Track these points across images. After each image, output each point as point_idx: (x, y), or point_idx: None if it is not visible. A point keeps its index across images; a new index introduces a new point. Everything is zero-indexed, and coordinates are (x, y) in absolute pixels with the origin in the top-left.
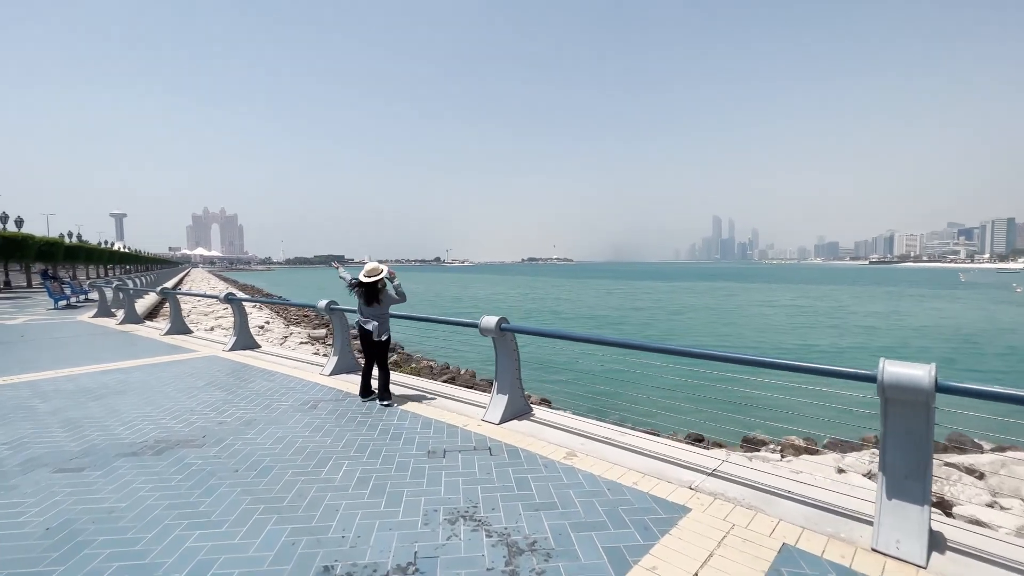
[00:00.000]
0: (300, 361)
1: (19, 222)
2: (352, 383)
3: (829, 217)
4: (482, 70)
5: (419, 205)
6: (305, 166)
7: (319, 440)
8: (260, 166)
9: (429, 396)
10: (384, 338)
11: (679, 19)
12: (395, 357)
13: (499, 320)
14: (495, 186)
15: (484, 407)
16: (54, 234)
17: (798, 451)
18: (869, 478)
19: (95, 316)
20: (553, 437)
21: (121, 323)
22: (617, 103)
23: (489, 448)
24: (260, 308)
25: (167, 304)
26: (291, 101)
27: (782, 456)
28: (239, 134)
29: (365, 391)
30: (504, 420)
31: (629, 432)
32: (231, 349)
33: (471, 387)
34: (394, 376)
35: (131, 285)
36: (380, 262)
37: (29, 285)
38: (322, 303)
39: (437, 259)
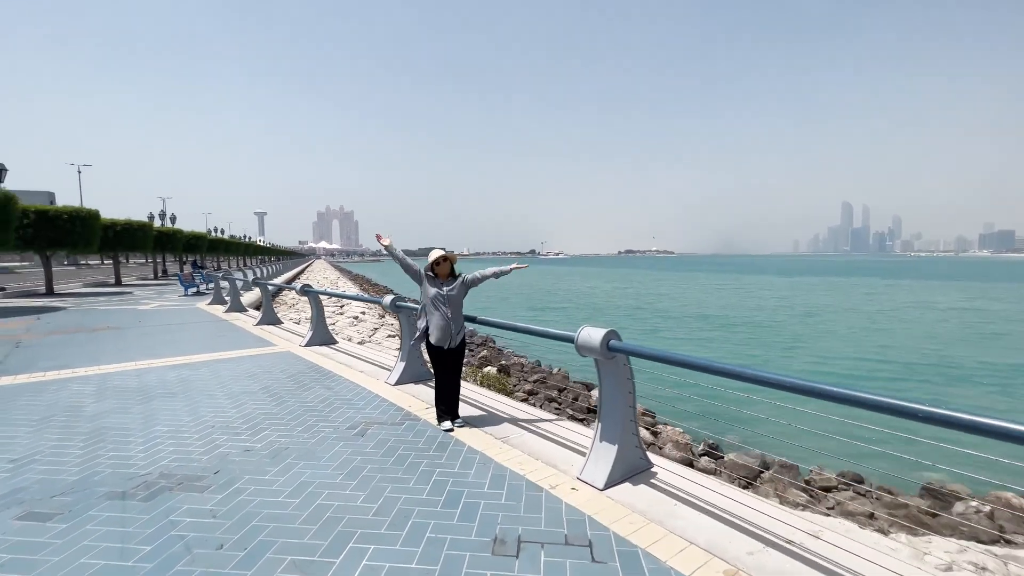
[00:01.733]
0: (370, 363)
1: (172, 219)
2: (416, 397)
3: (1003, 200)
4: (581, 58)
5: (515, 198)
6: (411, 162)
7: (348, 496)
8: (373, 164)
9: (506, 418)
10: (459, 341)
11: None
12: (484, 352)
13: (606, 336)
14: (591, 175)
15: (581, 451)
16: (217, 231)
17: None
18: None
19: (210, 304)
20: (693, 527)
21: (227, 311)
22: (732, 85)
23: (589, 541)
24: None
25: (283, 293)
26: (402, 101)
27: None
28: (357, 134)
29: (448, 410)
30: (611, 483)
31: (838, 528)
32: (307, 345)
33: (563, 392)
34: (472, 389)
35: (239, 277)
36: (476, 254)
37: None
38: (387, 298)
39: (532, 251)
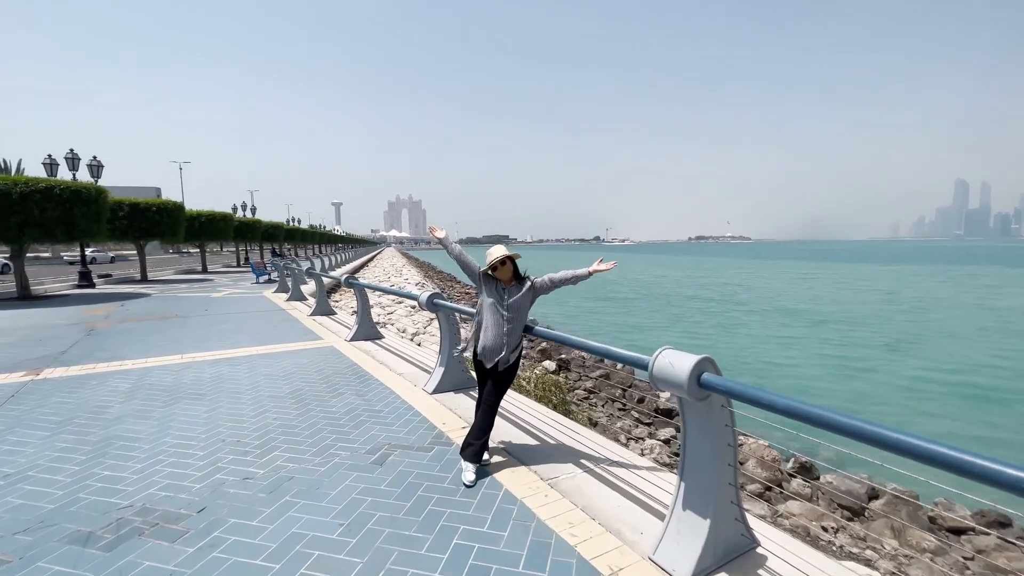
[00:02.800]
0: (413, 363)
1: (253, 210)
2: (453, 411)
3: None
4: (659, 31)
5: (579, 183)
6: (475, 148)
7: (340, 565)
8: (439, 151)
9: (556, 446)
10: (513, 360)
11: None
12: (544, 344)
13: (696, 367)
14: (661, 158)
15: (656, 509)
16: (295, 221)
17: None
18: None
19: (275, 292)
20: None
21: (288, 300)
22: (822, 55)
23: None
24: (424, 285)
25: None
26: (469, 81)
27: None
28: (429, 121)
29: (474, 452)
30: (700, 573)
31: None
32: (351, 339)
33: (627, 391)
34: (518, 402)
35: (299, 267)
36: (540, 241)
37: (253, 261)
38: (424, 295)
39: (597, 238)
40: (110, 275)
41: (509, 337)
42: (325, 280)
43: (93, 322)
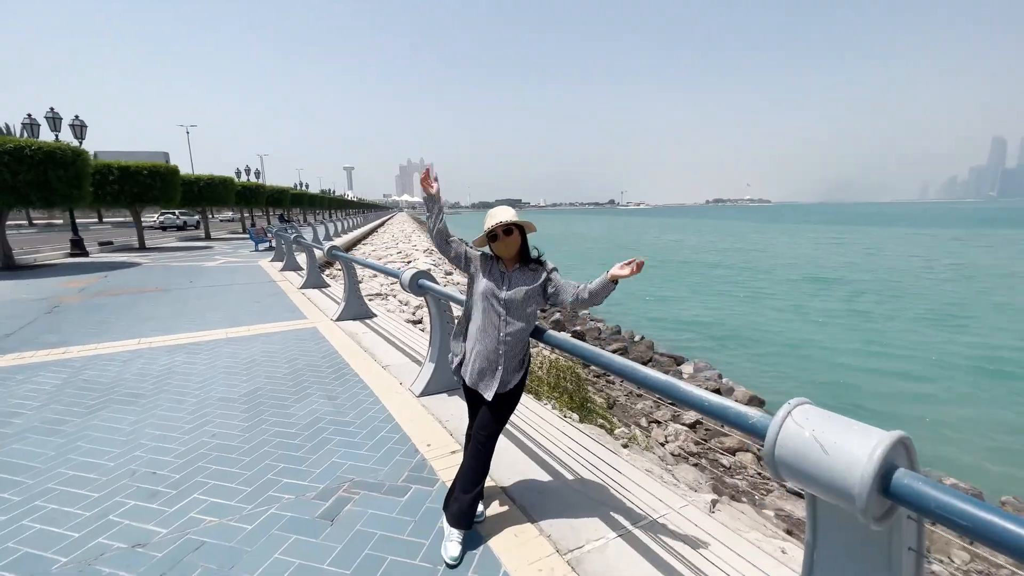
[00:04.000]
0: (404, 351)
1: (257, 174)
2: (444, 424)
3: None
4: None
5: (593, 146)
6: (486, 109)
7: None
8: (449, 114)
9: (576, 483)
10: (515, 384)
11: None
12: (558, 315)
13: (885, 458)
14: (676, 119)
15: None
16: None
17: None
18: None
19: (272, 260)
20: None
21: (282, 270)
22: (848, 5)
23: None
24: (432, 254)
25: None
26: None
27: None
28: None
29: (460, 513)
30: None
31: None
32: (337, 319)
33: (647, 364)
34: (528, 409)
35: (291, 234)
36: (553, 206)
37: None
38: (407, 273)
39: (611, 202)
40: (111, 242)
41: (508, 350)
42: (317, 251)
43: (65, 296)
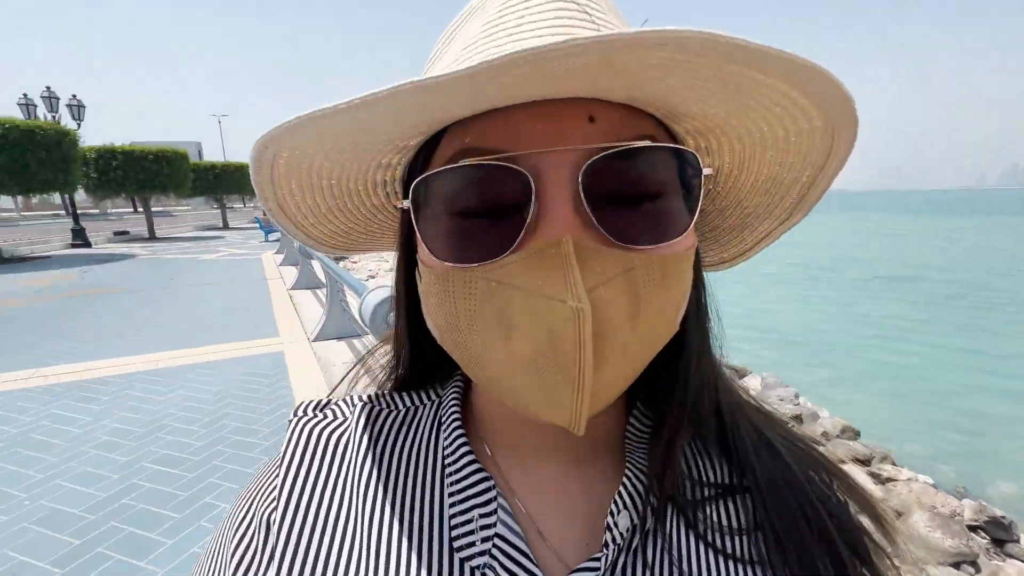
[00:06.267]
0: None
1: None
2: None
3: None
4: None
5: None
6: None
7: None
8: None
9: None
10: None
11: None
12: None
13: None
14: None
15: None
16: None
17: None
18: None
19: (276, 253)
20: None
21: (281, 265)
22: None
23: None
24: None
25: None
26: None
27: None
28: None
29: None
30: None
31: None
32: (316, 339)
33: None
34: None
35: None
36: None
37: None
38: (371, 298)
39: None
40: (127, 232)
41: None
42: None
43: (12, 299)
